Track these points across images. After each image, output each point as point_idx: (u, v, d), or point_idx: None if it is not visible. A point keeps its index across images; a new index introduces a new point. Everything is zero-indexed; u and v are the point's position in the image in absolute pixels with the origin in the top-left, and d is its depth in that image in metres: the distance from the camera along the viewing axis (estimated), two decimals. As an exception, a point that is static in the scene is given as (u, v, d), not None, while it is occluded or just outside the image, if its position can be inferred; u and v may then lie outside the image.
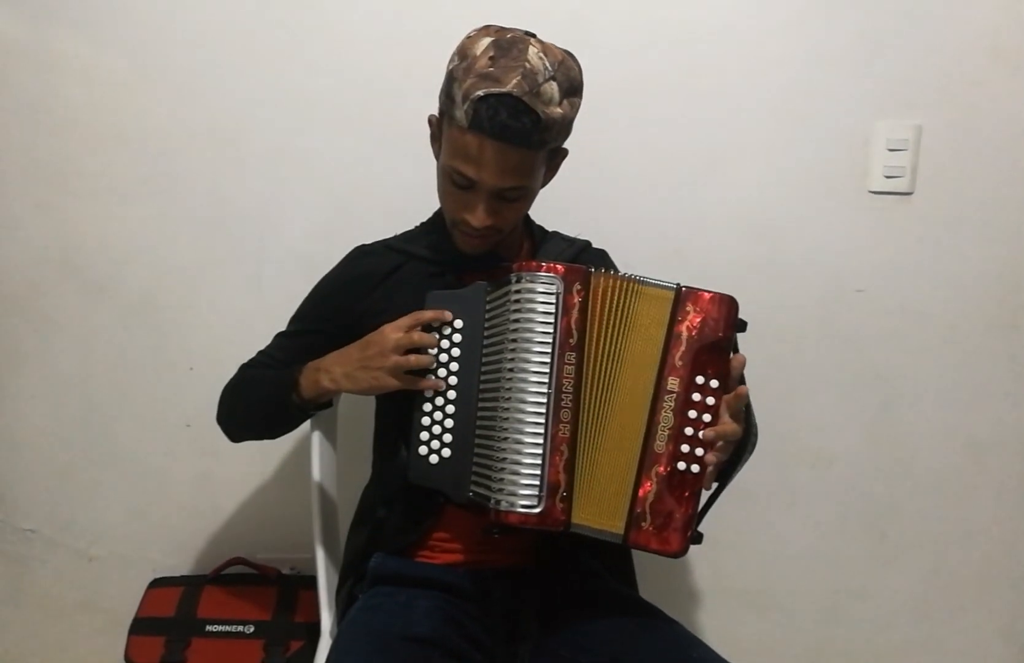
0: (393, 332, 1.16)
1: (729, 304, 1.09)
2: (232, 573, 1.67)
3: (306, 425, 1.35)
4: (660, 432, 1.09)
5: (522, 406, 1.08)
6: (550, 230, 1.40)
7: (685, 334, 1.09)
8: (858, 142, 1.67)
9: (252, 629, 1.54)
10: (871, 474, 1.78)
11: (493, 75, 1.08)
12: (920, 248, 1.70)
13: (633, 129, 1.65)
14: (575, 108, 1.16)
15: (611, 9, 1.61)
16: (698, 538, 1.11)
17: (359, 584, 1.26)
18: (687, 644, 1.15)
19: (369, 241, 1.36)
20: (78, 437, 1.70)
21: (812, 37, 1.63)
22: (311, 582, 1.47)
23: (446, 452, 1.17)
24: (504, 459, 1.09)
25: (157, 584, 1.67)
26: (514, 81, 1.08)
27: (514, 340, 1.10)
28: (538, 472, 1.08)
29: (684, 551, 1.09)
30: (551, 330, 1.09)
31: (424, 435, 1.17)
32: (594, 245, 1.41)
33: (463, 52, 1.13)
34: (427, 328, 1.16)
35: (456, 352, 1.16)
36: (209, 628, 1.54)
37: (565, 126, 1.16)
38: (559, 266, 1.10)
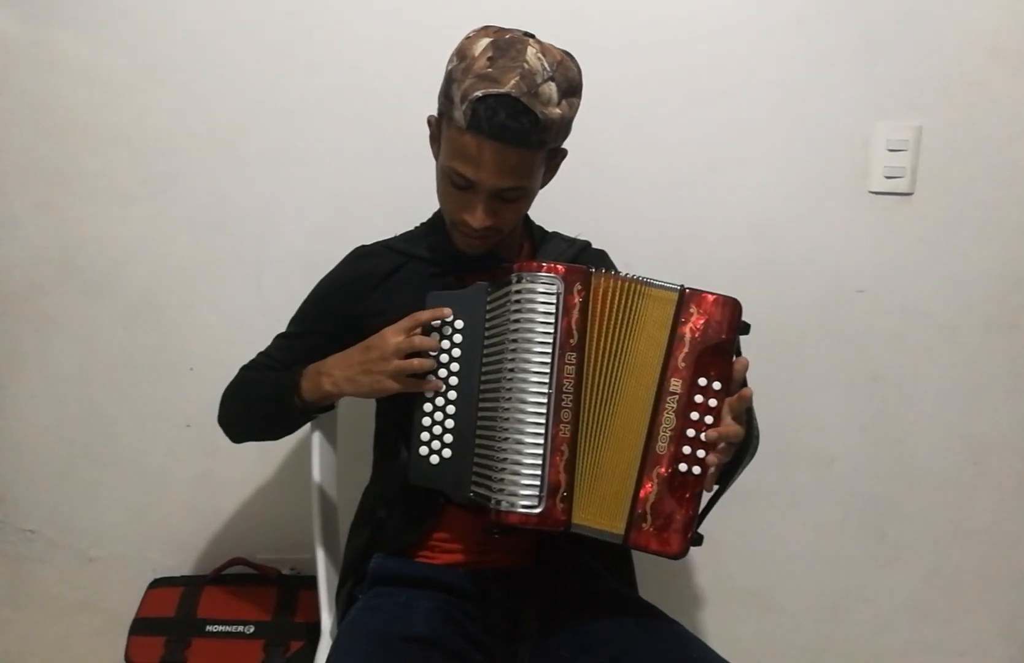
0: (394, 336, 1.16)
1: (733, 306, 1.09)
2: (232, 573, 1.67)
3: (306, 426, 1.34)
4: (662, 433, 1.09)
5: (522, 406, 1.08)
6: (550, 230, 1.40)
7: (688, 336, 1.09)
8: (858, 142, 1.67)
9: (252, 629, 1.54)
10: (871, 474, 1.78)
11: (491, 76, 1.08)
12: (920, 248, 1.70)
13: (633, 129, 1.65)
14: (574, 108, 1.16)
15: (611, 9, 1.61)
16: (698, 539, 1.11)
17: (359, 585, 1.26)
18: (687, 644, 1.15)
19: (369, 241, 1.36)
20: (78, 437, 1.70)
21: (812, 37, 1.63)
22: (311, 582, 1.47)
23: (446, 452, 1.17)
24: (504, 459, 1.09)
25: (157, 584, 1.66)
26: (512, 82, 1.08)
27: (515, 340, 1.10)
28: (538, 472, 1.08)
29: (684, 552, 1.09)
30: (551, 330, 1.09)
31: (424, 435, 1.17)
32: (594, 245, 1.41)
33: (462, 53, 1.13)
34: (428, 329, 1.16)
35: (457, 353, 1.16)
36: (209, 628, 1.54)
37: (564, 127, 1.16)
38: (560, 266, 1.10)
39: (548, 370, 1.08)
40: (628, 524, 1.09)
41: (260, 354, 1.35)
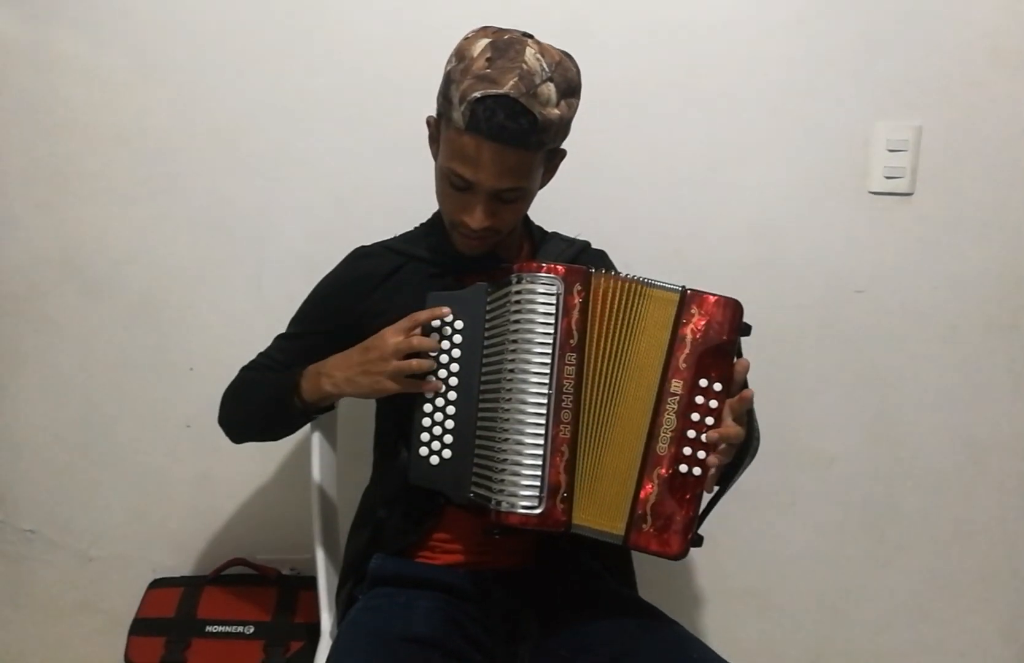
0: (393, 336, 1.16)
1: (734, 308, 1.09)
2: (232, 574, 1.67)
3: (306, 426, 1.34)
4: (662, 434, 1.09)
5: (523, 407, 1.08)
6: (550, 230, 1.40)
7: (689, 337, 1.09)
8: (858, 142, 1.67)
9: (252, 630, 1.54)
10: (871, 474, 1.78)
11: (490, 76, 1.08)
12: (920, 248, 1.70)
13: (633, 129, 1.65)
14: (573, 109, 1.16)
15: (611, 8, 1.61)
16: (698, 541, 1.11)
17: (359, 585, 1.26)
18: (687, 644, 1.15)
19: (369, 242, 1.35)
20: (78, 437, 1.70)
21: (812, 37, 1.63)
22: (311, 583, 1.47)
23: (447, 453, 1.16)
24: (505, 460, 1.09)
25: (157, 585, 1.67)
26: (511, 82, 1.07)
27: (514, 341, 1.10)
28: (539, 473, 1.08)
29: (684, 553, 1.09)
30: (551, 331, 1.09)
31: (424, 436, 1.17)
32: (594, 245, 1.41)
33: (460, 54, 1.13)
34: (428, 330, 1.16)
35: (456, 353, 1.16)
36: (209, 629, 1.54)
37: (563, 127, 1.16)
38: (560, 267, 1.10)
39: (548, 371, 1.08)
40: (628, 525, 1.09)
41: (260, 354, 1.35)
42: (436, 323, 1.16)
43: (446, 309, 1.16)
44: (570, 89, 1.14)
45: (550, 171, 1.24)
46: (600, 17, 1.61)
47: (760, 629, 1.84)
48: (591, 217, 1.49)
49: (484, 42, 1.12)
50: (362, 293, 1.29)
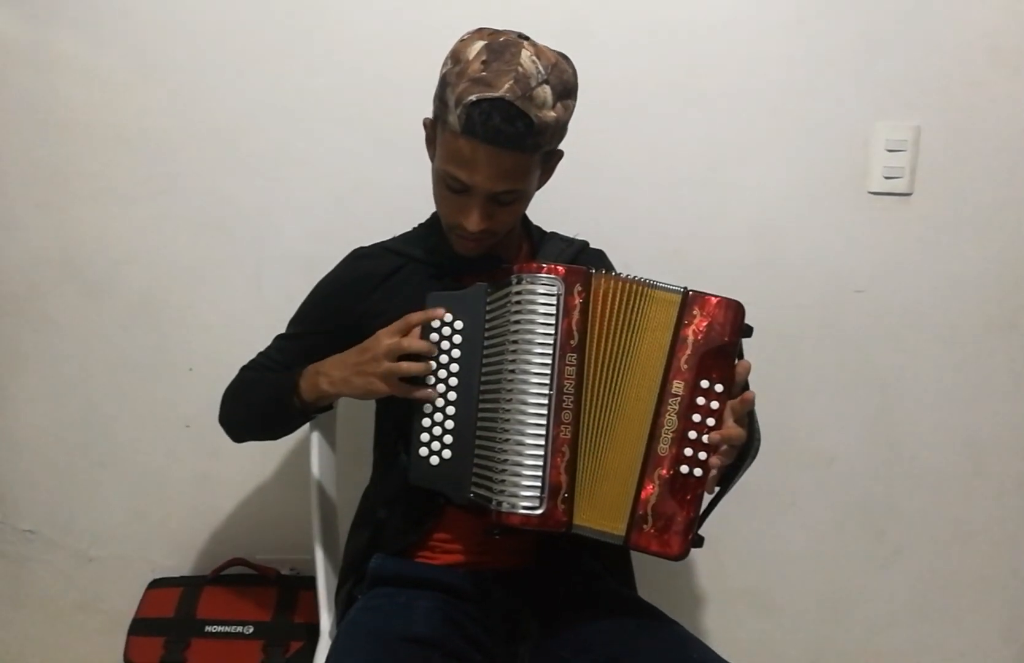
0: (386, 338, 1.15)
1: (736, 309, 1.09)
2: (231, 574, 1.67)
3: (306, 426, 1.34)
4: (663, 435, 1.09)
5: (523, 407, 1.08)
6: (548, 230, 1.40)
7: (691, 338, 1.09)
8: (858, 142, 1.67)
9: (251, 630, 1.54)
10: (871, 474, 1.78)
11: (485, 79, 1.08)
12: (919, 248, 1.70)
13: (633, 129, 1.65)
14: (569, 111, 1.16)
15: (611, 8, 1.61)
16: (699, 541, 1.11)
17: (359, 585, 1.26)
18: (687, 644, 1.15)
19: (368, 242, 1.35)
20: (78, 437, 1.70)
21: (812, 37, 1.63)
22: (311, 583, 1.47)
23: (447, 454, 1.16)
24: (505, 460, 1.09)
25: (156, 584, 1.66)
26: (507, 85, 1.07)
27: (515, 341, 1.10)
28: (539, 473, 1.08)
29: (685, 554, 1.09)
30: (552, 331, 1.09)
31: (424, 437, 1.17)
32: (593, 245, 1.41)
33: (456, 56, 1.13)
34: (426, 330, 1.16)
35: (456, 353, 1.16)
36: (208, 629, 1.54)
37: (559, 129, 1.16)
38: (560, 267, 1.10)
39: (549, 371, 1.08)
40: (629, 525, 1.09)
41: (260, 354, 1.36)
42: (436, 325, 1.16)
43: (440, 311, 1.16)
44: (566, 91, 1.14)
45: (547, 172, 1.24)
46: (600, 17, 1.61)
47: (760, 629, 1.84)
48: (591, 217, 1.49)
49: (479, 44, 1.11)
50: (361, 293, 1.28)
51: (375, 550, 1.26)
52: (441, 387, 1.16)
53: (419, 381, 1.16)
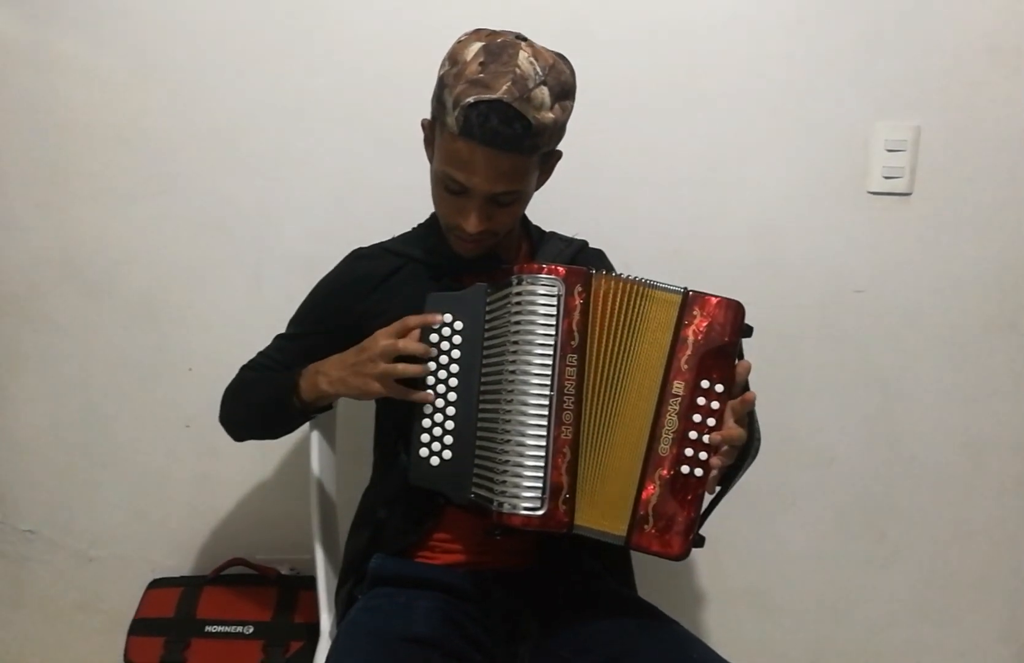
0: (384, 338, 1.15)
1: (736, 309, 1.09)
2: (232, 574, 1.67)
3: (305, 425, 1.34)
4: (664, 435, 1.09)
5: (524, 408, 1.08)
6: (548, 230, 1.40)
7: (691, 338, 1.09)
8: (858, 142, 1.67)
9: (251, 630, 1.54)
10: (871, 474, 1.78)
11: (483, 81, 1.08)
12: (919, 248, 1.70)
13: (633, 129, 1.65)
14: (567, 112, 1.16)
15: (611, 8, 1.61)
16: (700, 541, 1.11)
17: (359, 585, 1.26)
18: (687, 644, 1.15)
19: (368, 242, 1.35)
20: (78, 437, 1.70)
21: (812, 37, 1.63)
22: (311, 583, 1.47)
23: (447, 454, 1.16)
24: (506, 461, 1.09)
25: (156, 584, 1.67)
26: (504, 87, 1.07)
27: (515, 342, 1.10)
28: (540, 474, 1.08)
29: (686, 554, 1.09)
30: (552, 332, 1.09)
31: (425, 437, 1.17)
32: (593, 245, 1.41)
33: (453, 57, 1.13)
34: (425, 334, 1.16)
35: (456, 354, 1.16)
36: (208, 629, 1.54)
37: (557, 130, 1.16)
38: (560, 268, 1.10)
39: (549, 372, 1.08)
40: (630, 526, 1.09)
41: (259, 354, 1.36)
42: (436, 326, 1.16)
43: (438, 317, 1.16)
44: (564, 92, 1.14)
45: (546, 173, 1.24)
46: (600, 17, 1.61)
47: (760, 629, 1.84)
48: (591, 217, 1.49)
49: (477, 46, 1.11)
50: (361, 293, 1.28)
51: (375, 550, 1.26)
52: (441, 388, 1.16)
53: (416, 383, 1.16)
